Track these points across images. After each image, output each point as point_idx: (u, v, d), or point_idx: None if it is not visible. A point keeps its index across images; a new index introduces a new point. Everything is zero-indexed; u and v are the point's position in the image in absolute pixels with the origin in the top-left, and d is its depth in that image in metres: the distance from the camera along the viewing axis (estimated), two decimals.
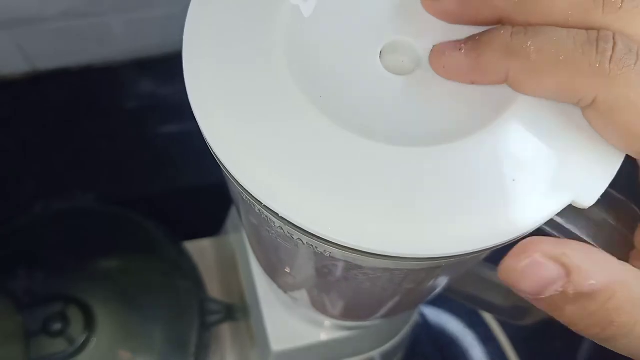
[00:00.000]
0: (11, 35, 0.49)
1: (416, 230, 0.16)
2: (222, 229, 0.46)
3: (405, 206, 0.16)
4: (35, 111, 0.53)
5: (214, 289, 0.46)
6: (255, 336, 0.39)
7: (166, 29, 0.52)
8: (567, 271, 0.15)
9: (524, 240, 0.16)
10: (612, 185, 0.17)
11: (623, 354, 0.16)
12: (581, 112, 0.17)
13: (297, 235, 0.17)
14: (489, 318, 0.50)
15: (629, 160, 0.17)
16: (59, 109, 0.54)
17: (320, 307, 0.29)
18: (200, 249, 0.47)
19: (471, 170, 0.16)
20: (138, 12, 0.50)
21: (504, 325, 0.49)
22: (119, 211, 0.46)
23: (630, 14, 0.16)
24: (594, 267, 0.15)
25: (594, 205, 0.17)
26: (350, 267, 0.19)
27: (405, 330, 0.39)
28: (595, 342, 0.16)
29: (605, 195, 0.17)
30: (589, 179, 0.17)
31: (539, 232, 0.17)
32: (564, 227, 0.18)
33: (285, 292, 0.30)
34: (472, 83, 0.18)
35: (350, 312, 0.30)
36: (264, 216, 0.17)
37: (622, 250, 0.18)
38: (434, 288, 0.26)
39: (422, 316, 0.51)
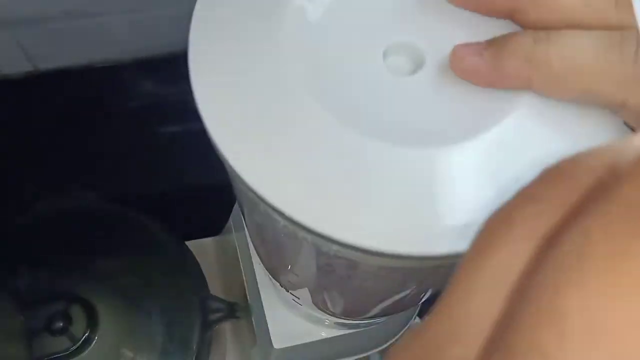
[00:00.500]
0: (12, 35, 0.49)
1: (422, 229, 0.16)
2: (225, 228, 0.46)
3: (410, 205, 0.16)
4: (37, 111, 0.53)
5: (216, 287, 0.46)
6: (257, 334, 0.39)
7: (168, 28, 0.52)
8: None
9: None
10: None
11: None
12: (584, 112, 0.17)
13: (301, 233, 0.17)
14: None
15: None
16: (60, 108, 0.54)
17: (322, 305, 0.29)
18: (202, 248, 0.47)
19: (475, 171, 0.16)
20: (140, 11, 0.50)
21: None
22: (122, 210, 0.46)
23: None
24: None
25: None
26: (353, 265, 0.19)
27: (407, 328, 0.39)
28: None
29: None
30: None
31: None
32: None
33: (287, 290, 0.30)
34: (491, 87, 0.18)
35: (351, 310, 0.30)
36: (268, 215, 0.18)
37: None
38: (437, 285, 0.26)
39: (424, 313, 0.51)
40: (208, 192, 0.46)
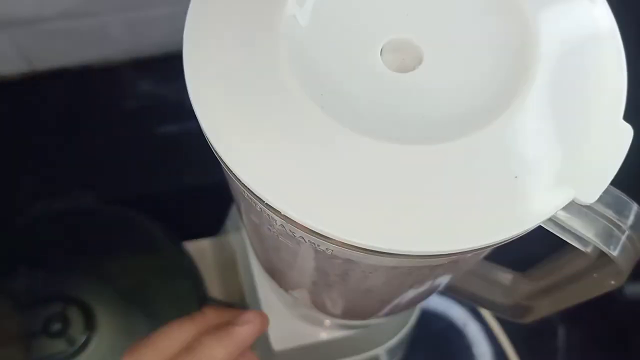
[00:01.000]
0: (10, 36, 0.49)
1: (420, 227, 0.16)
2: (222, 228, 0.46)
3: (408, 203, 0.16)
4: (35, 111, 0.53)
5: (213, 288, 0.46)
6: None
7: (165, 28, 0.52)
8: None
9: None
10: (613, 182, 0.17)
11: None
12: (583, 110, 0.17)
13: (298, 233, 0.17)
14: (488, 316, 0.50)
15: (630, 158, 0.17)
16: (58, 109, 0.53)
17: (320, 306, 0.29)
18: (200, 249, 0.47)
19: (474, 168, 0.16)
20: (136, 11, 0.50)
21: (503, 323, 0.49)
22: (119, 211, 0.46)
23: None
24: None
25: (595, 201, 0.17)
26: (351, 265, 0.19)
27: (406, 329, 0.39)
28: None
29: (607, 192, 0.17)
30: (591, 176, 0.17)
31: (540, 229, 0.17)
32: (566, 224, 0.18)
33: (286, 291, 0.30)
34: None
35: (350, 311, 0.30)
36: (265, 214, 0.17)
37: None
38: (435, 286, 0.26)
39: (424, 314, 0.51)
40: (206, 193, 0.45)
